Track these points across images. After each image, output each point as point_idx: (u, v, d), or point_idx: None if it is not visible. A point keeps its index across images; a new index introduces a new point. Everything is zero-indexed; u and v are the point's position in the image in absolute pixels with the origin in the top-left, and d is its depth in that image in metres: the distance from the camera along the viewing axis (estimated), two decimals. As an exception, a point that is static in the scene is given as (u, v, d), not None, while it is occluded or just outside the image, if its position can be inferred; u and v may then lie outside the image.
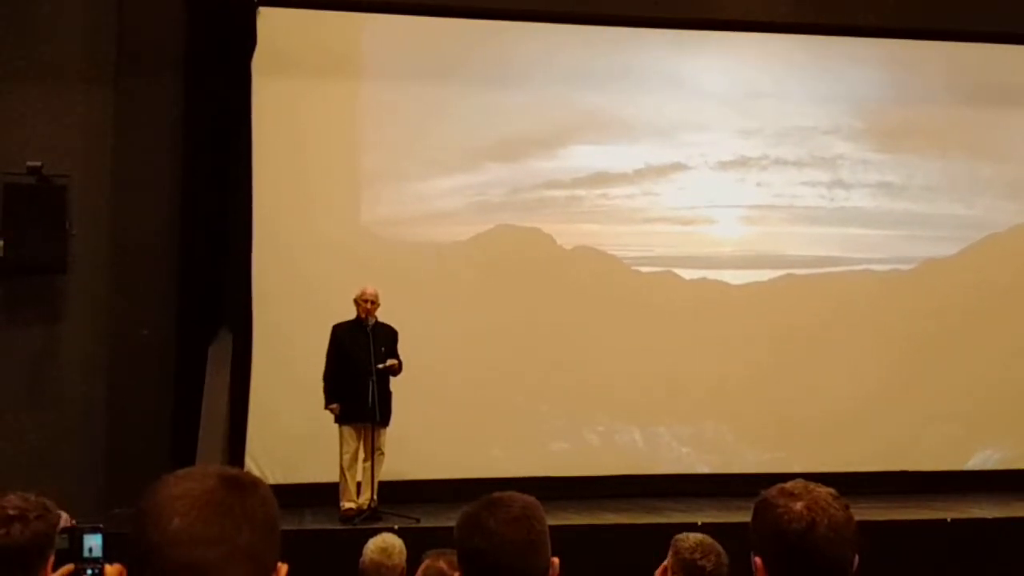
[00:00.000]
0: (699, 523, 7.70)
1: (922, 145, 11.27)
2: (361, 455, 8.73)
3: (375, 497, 8.66)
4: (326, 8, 10.16)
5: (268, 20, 9.93)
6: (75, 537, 3.37)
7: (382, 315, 8.82)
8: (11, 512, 2.80)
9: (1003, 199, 11.39)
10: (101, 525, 3.45)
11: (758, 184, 10.99)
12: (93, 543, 3.35)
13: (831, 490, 2.25)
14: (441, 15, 10.25)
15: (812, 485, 2.25)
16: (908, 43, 11.12)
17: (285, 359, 9.67)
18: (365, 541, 5.34)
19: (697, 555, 3.99)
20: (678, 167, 10.85)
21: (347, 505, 8.68)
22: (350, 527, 8.39)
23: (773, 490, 2.25)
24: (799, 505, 2.19)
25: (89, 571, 3.15)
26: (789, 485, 2.25)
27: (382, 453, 8.72)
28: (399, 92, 10.37)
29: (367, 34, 10.41)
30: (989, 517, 9.31)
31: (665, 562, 4.04)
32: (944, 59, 11.27)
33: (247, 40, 9.83)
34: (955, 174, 11.31)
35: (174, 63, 9.74)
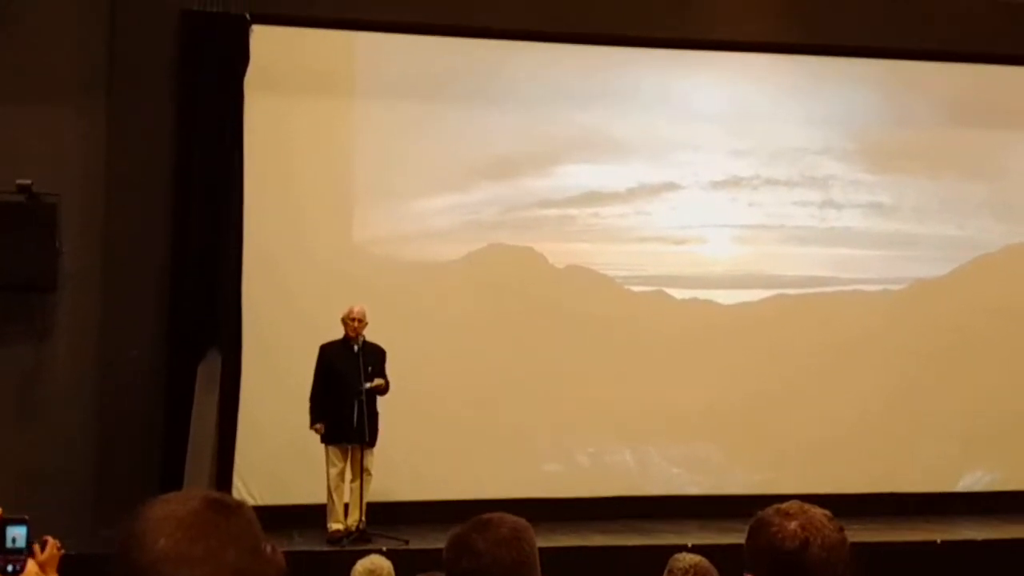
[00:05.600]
0: (689, 544, 7.67)
1: (913, 166, 11.30)
2: (348, 475, 8.71)
3: (363, 518, 8.63)
4: (319, 26, 10.16)
5: (261, 38, 9.93)
6: None
7: (374, 334, 8.81)
8: None
9: (994, 220, 11.41)
10: (27, 517, 3.39)
11: (750, 204, 11.01)
12: (16, 533, 3.29)
13: (826, 512, 2.27)
14: (434, 34, 10.26)
15: (808, 506, 2.27)
16: (900, 64, 11.16)
17: (275, 379, 9.64)
18: (353, 563, 5.32)
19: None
20: (670, 186, 10.86)
21: (334, 526, 8.66)
22: (338, 548, 8.35)
23: (769, 510, 2.28)
24: (793, 524, 2.20)
25: (10, 567, 3.08)
26: (785, 505, 2.27)
27: (370, 474, 8.70)
28: (391, 110, 10.38)
29: (359, 52, 10.42)
30: (979, 539, 9.32)
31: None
32: (936, 80, 11.30)
33: (240, 58, 9.82)
34: (946, 195, 11.34)
35: (166, 81, 9.73)
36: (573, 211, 10.66)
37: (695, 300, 10.86)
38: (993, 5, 10.92)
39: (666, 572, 4.05)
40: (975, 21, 10.87)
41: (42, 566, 3.42)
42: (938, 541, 9.13)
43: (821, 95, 11.14)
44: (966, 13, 10.85)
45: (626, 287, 10.74)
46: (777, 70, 11.12)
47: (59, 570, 3.88)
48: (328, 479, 8.71)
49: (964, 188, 11.36)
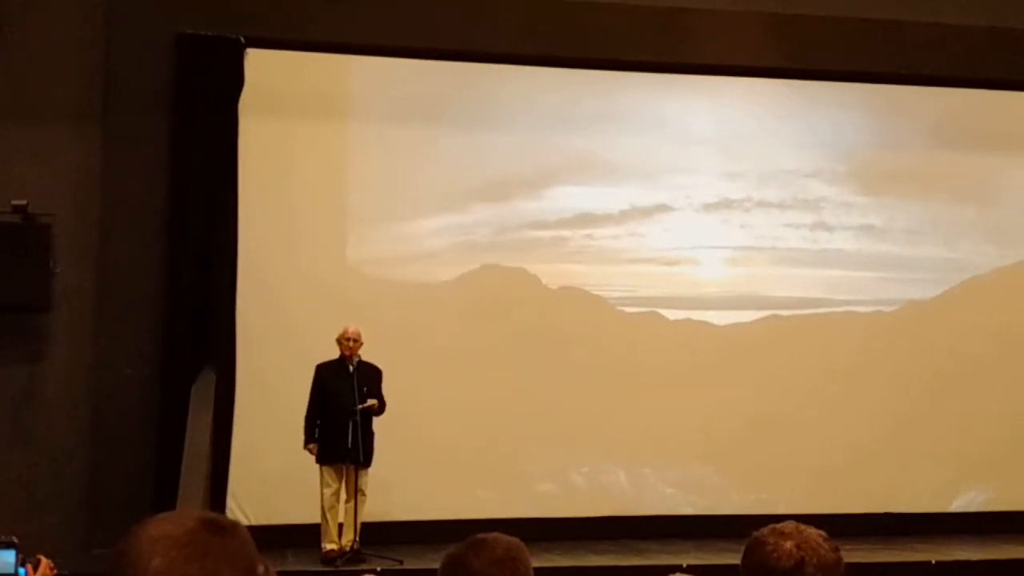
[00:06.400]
0: (684, 565, 7.68)
1: (904, 188, 11.35)
2: (343, 496, 8.69)
3: (357, 538, 8.61)
4: (314, 51, 10.18)
5: (256, 61, 9.96)
6: None
7: (367, 354, 8.80)
8: None
9: (984, 242, 11.45)
10: (15, 540, 3.39)
11: (742, 226, 11.03)
12: (3, 559, 3.29)
13: (822, 532, 2.29)
14: (428, 58, 10.29)
15: (804, 527, 2.29)
16: (890, 88, 11.20)
17: (269, 399, 9.63)
18: (348, 583, 5.31)
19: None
20: (663, 208, 10.89)
21: (328, 546, 8.64)
22: (332, 569, 8.34)
23: (765, 529, 2.30)
24: (789, 544, 2.22)
25: None
26: (781, 525, 2.29)
27: (364, 494, 8.68)
28: (386, 133, 10.39)
29: (354, 76, 10.45)
30: (974, 559, 9.32)
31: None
32: (925, 104, 11.35)
33: (235, 81, 9.85)
34: (937, 217, 11.38)
35: (162, 103, 9.74)
36: (566, 233, 10.68)
37: (688, 321, 10.88)
38: (981, 30, 10.97)
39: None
40: (963, 46, 10.92)
41: None
42: (933, 562, 9.13)
43: (812, 119, 11.19)
44: (954, 38, 10.89)
45: (619, 308, 10.75)
46: (769, 94, 11.16)
47: (52, 590, 3.87)
48: (322, 499, 8.70)
49: (954, 210, 11.41)
